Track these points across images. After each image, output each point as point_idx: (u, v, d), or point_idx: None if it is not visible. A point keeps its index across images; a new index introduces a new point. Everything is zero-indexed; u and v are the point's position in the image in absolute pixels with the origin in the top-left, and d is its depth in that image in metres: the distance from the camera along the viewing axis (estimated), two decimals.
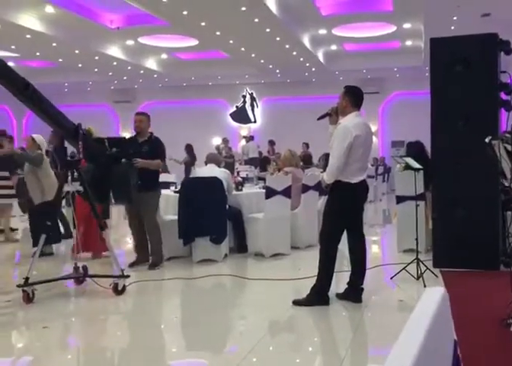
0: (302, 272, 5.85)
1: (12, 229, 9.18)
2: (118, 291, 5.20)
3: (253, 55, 15.73)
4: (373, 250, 8.03)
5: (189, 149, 15.25)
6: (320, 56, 16.38)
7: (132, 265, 6.33)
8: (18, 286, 4.94)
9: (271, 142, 17.46)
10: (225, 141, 16.99)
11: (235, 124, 20.89)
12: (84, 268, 5.55)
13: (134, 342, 4.25)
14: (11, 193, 8.58)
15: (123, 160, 5.84)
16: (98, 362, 3.82)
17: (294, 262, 6.81)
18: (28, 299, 4.93)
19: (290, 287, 5.51)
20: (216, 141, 18.83)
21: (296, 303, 4.81)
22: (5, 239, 8.65)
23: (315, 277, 4.85)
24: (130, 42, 14.83)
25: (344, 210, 4.81)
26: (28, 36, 12.83)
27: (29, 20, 12.20)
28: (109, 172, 5.73)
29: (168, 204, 7.08)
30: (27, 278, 4.94)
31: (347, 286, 4.99)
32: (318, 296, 4.80)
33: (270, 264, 6.58)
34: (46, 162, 7.38)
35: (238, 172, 9.94)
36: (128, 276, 5.34)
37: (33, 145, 7.38)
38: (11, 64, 13.85)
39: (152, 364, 3.70)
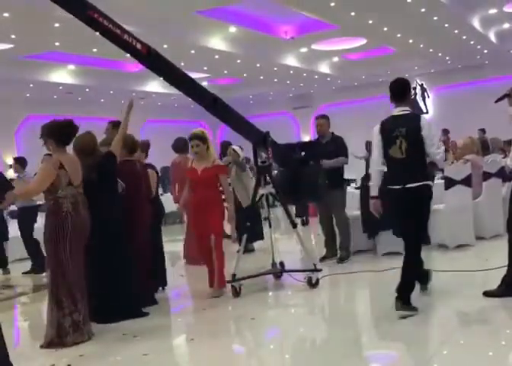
0: (490, 263, 5.45)
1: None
2: (312, 284, 5.32)
3: (421, 45, 15.04)
4: None
5: (369, 145, 15.51)
6: (492, 36, 15.08)
7: (322, 260, 6.43)
8: (227, 282, 5.29)
9: (445, 131, 16.45)
10: None
11: None
12: (281, 263, 5.77)
13: (329, 333, 4.32)
14: None
15: (311, 162, 6.01)
16: (297, 351, 3.95)
17: (480, 253, 6.38)
18: (236, 293, 5.25)
19: (478, 279, 5.18)
20: None
21: (487, 294, 4.50)
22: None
23: (506, 268, 4.50)
24: (304, 49, 15.04)
25: None
26: (216, 56, 13.66)
27: (216, 42, 13.00)
28: (298, 174, 5.91)
29: (351, 200, 7.07)
30: (233, 275, 5.27)
31: None
32: (510, 288, 4.44)
33: (455, 256, 6.25)
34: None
35: None
36: (320, 270, 5.43)
37: (234, 154, 7.88)
38: (204, 83, 14.99)
39: (346, 355, 3.69)
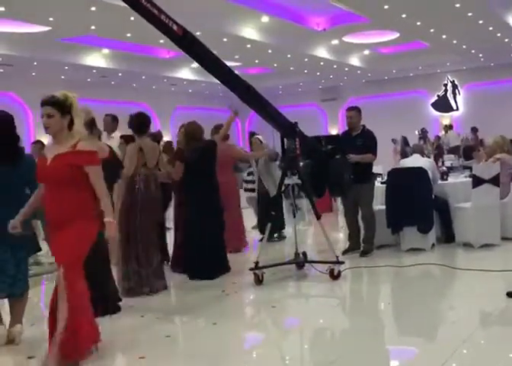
0: None
1: None
2: (334, 276, 5.27)
3: (454, 41, 14.71)
4: None
5: (405, 140, 15.60)
6: None
7: (345, 252, 6.38)
8: (250, 269, 5.29)
9: (474, 130, 16.13)
10: (423, 131, 16.47)
11: (435, 114, 19.75)
12: (304, 254, 5.74)
13: (349, 325, 4.30)
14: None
15: (338, 156, 5.92)
16: (315, 341, 3.95)
17: (505, 253, 6.22)
18: (258, 281, 5.25)
19: (502, 279, 5.06)
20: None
21: (511, 295, 4.41)
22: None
23: None
24: (335, 42, 14.87)
25: None
26: (248, 45, 13.58)
27: (248, 32, 12.91)
28: (325, 167, 5.84)
29: (376, 195, 6.98)
30: (256, 263, 5.27)
31: None
32: None
33: (480, 255, 6.10)
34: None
35: (442, 162, 9.45)
36: (343, 262, 5.39)
37: (260, 145, 7.86)
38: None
39: (364, 348, 3.65)
